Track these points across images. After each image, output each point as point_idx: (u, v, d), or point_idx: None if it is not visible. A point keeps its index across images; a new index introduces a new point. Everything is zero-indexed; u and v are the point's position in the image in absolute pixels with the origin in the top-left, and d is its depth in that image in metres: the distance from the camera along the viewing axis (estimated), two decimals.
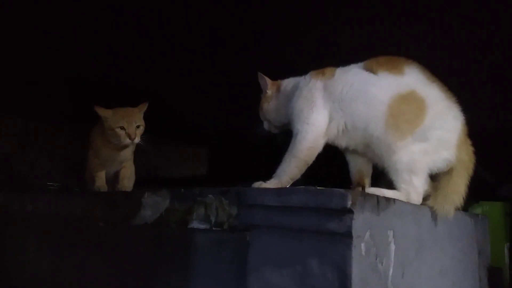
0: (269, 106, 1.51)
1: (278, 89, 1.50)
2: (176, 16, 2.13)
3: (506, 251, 2.19)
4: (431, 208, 1.27)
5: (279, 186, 1.24)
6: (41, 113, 2.82)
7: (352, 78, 1.30)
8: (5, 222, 1.73)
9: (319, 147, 1.30)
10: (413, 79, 1.25)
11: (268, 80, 1.53)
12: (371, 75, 1.27)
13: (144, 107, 1.74)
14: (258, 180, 1.27)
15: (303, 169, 1.30)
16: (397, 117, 1.21)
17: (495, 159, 1.31)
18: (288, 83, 1.49)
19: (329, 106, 1.30)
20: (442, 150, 1.25)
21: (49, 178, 2.72)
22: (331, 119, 1.29)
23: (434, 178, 1.31)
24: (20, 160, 2.77)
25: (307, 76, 1.40)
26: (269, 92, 1.52)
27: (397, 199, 1.11)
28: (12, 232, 1.71)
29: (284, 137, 1.46)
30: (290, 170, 1.28)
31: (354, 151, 1.37)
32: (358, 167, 1.42)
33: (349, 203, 0.89)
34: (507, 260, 2.17)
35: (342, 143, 1.32)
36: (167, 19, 2.16)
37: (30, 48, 2.38)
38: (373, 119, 1.23)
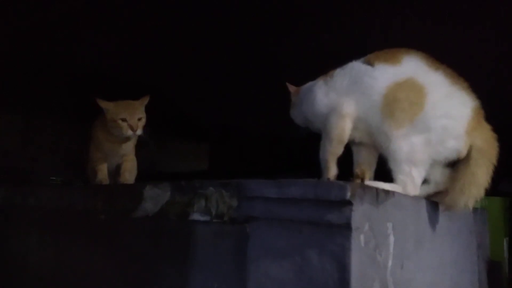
0: (293, 112, 1.56)
1: (298, 95, 1.54)
2: (177, 12, 2.13)
3: (505, 245, 2.20)
4: (445, 202, 1.27)
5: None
6: (43, 109, 2.83)
7: (349, 72, 1.33)
8: (8, 215, 1.74)
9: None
10: (411, 67, 1.24)
11: (290, 88, 1.58)
12: (368, 67, 1.29)
13: (145, 100, 1.75)
14: (259, 176, 1.27)
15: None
16: (392, 106, 1.21)
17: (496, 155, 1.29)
18: (305, 87, 1.53)
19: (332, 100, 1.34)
20: (448, 139, 1.21)
21: (52, 173, 2.73)
22: None
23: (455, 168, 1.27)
24: (23, 156, 2.79)
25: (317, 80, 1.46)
26: (293, 99, 1.57)
27: (397, 192, 1.11)
28: (14, 225, 1.72)
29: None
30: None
31: (360, 143, 1.38)
32: (361, 159, 1.43)
33: (348, 194, 0.90)
34: (506, 254, 2.18)
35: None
36: (169, 14, 2.16)
37: (32, 44, 2.39)
38: (370, 109, 1.25)
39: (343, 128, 1.32)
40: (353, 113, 1.30)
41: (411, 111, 1.20)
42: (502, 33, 1.99)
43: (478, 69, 2.10)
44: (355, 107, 1.30)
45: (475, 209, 1.69)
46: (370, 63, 1.29)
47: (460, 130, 1.21)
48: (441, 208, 1.31)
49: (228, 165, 3.96)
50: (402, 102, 1.20)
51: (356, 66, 1.32)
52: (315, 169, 1.40)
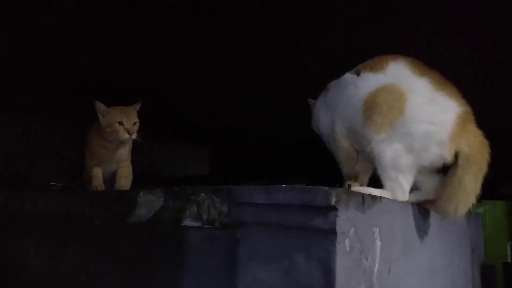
0: (312, 123, 1.61)
1: (314, 108, 1.61)
2: (176, 15, 2.15)
3: (509, 249, 2.20)
4: (435, 209, 1.28)
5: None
6: (44, 113, 2.85)
7: (337, 84, 1.40)
8: (6, 220, 1.77)
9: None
10: (394, 74, 1.26)
11: (309, 101, 1.63)
12: (354, 76, 1.33)
13: (138, 106, 1.80)
14: (259, 179, 1.31)
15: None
16: (371, 110, 1.24)
17: (497, 159, 1.28)
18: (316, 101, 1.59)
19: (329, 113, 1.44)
20: (430, 145, 1.20)
21: (53, 178, 2.74)
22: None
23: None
24: (23, 160, 2.80)
25: None
26: (312, 111, 1.62)
27: (384, 197, 1.13)
28: (12, 230, 1.75)
29: None
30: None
31: (359, 151, 1.42)
32: (358, 165, 1.45)
33: (333, 200, 0.92)
34: (510, 258, 2.18)
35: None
36: (168, 17, 2.18)
37: (33, 48, 2.41)
38: (354, 116, 1.29)
39: (342, 146, 1.40)
40: (343, 129, 1.37)
41: (389, 115, 1.21)
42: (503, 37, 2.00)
43: (480, 72, 2.12)
44: (343, 121, 1.36)
45: (469, 214, 1.70)
46: (357, 72, 1.34)
47: (442, 136, 1.20)
48: (434, 213, 1.32)
49: (229, 169, 3.96)
50: (381, 106, 1.23)
51: (346, 77, 1.38)
52: (316, 171, 1.42)
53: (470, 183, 1.20)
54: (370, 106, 1.24)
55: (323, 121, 1.48)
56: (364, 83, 1.29)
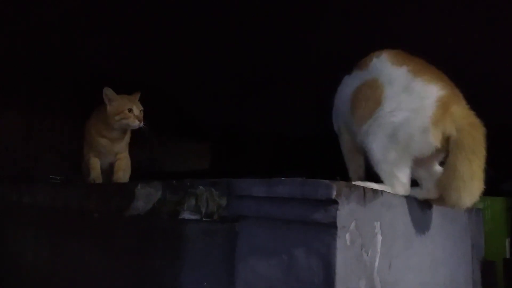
0: None
1: None
2: (177, 13, 2.15)
3: (507, 245, 2.20)
4: (441, 204, 1.26)
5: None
6: (44, 108, 2.85)
7: (339, 86, 1.44)
8: (4, 213, 1.76)
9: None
10: (375, 69, 1.27)
11: None
12: (347, 76, 1.39)
13: (138, 95, 1.82)
14: (259, 176, 1.29)
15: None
16: (353, 106, 1.29)
17: (498, 155, 1.25)
18: None
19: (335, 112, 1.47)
20: (414, 133, 1.16)
21: (54, 172, 2.75)
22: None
23: None
24: (25, 155, 2.80)
25: None
26: None
27: (385, 191, 1.11)
28: (10, 223, 1.74)
29: None
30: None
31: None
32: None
33: (334, 194, 0.90)
34: (508, 254, 2.18)
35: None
36: (168, 14, 2.18)
37: (34, 44, 2.41)
38: (345, 114, 1.34)
39: (345, 140, 1.42)
40: (343, 126, 1.40)
41: (368, 107, 1.23)
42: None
43: (481, 67, 2.11)
44: (341, 118, 1.40)
45: (469, 209, 1.69)
46: (349, 72, 1.38)
47: (424, 122, 1.15)
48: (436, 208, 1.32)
49: (229, 165, 3.97)
50: (360, 101, 1.26)
51: (344, 77, 1.42)
52: (316, 168, 1.41)
53: (464, 169, 1.11)
54: (353, 102, 1.30)
55: (333, 120, 1.49)
56: (351, 82, 1.34)
